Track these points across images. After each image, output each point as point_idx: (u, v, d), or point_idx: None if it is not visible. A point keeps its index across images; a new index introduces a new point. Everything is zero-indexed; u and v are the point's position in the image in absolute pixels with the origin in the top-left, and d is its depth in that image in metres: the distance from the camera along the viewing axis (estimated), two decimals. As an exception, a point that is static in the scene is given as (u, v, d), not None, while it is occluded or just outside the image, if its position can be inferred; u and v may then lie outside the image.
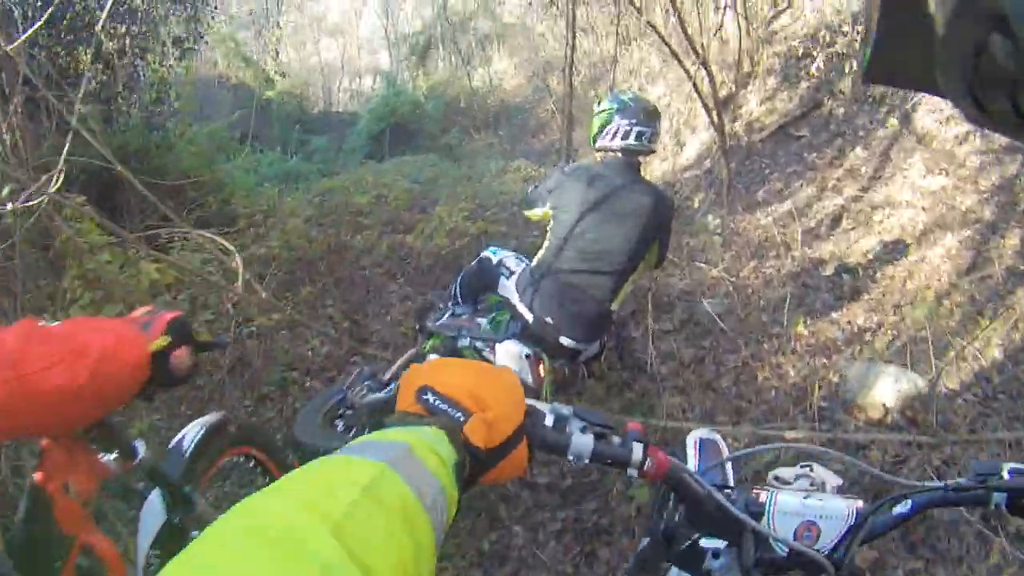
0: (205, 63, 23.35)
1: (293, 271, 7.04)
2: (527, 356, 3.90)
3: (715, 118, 7.83)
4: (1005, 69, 0.55)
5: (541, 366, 3.90)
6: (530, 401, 1.16)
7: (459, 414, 1.00)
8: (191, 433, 2.60)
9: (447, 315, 4.75)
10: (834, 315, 5.35)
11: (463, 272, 4.86)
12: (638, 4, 8.70)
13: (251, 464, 3.02)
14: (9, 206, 3.97)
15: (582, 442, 1.17)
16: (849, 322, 5.25)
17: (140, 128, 8.97)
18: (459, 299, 4.94)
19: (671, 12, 8.47)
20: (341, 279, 7.15)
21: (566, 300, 4.09)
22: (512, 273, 4.32)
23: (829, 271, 6.01)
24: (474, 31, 22.40)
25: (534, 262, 4.27)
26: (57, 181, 4.99)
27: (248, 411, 5.08)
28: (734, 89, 9.89)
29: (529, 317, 4.14)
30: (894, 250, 6.00)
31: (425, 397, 1.02)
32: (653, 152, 4.45)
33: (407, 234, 8.06)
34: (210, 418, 2.73)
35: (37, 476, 1.81)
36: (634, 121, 4.09)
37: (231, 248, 4.47)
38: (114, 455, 1.95)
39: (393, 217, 9.09)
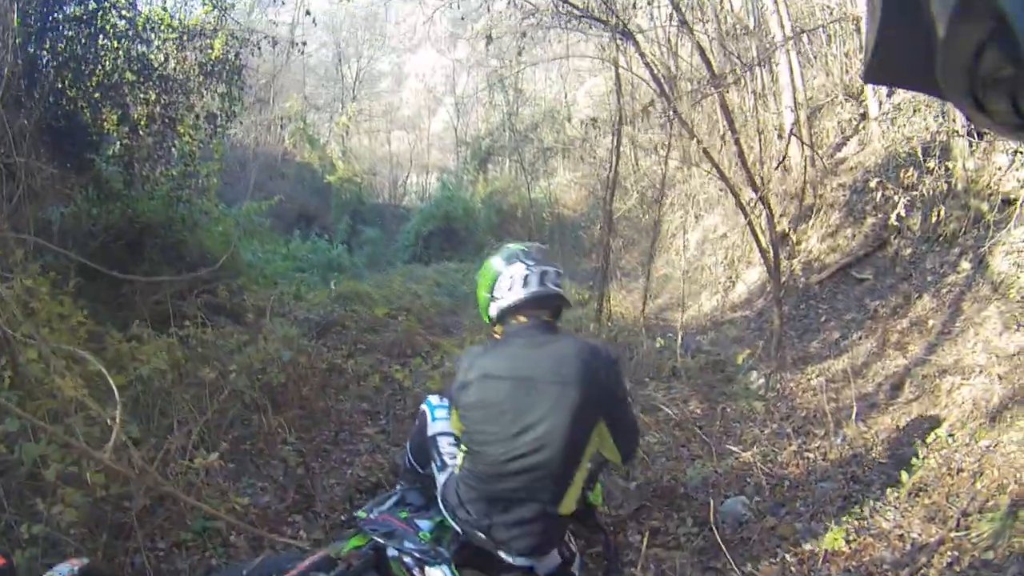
0: (273, 140, 23.70)
1: (273, 388, 6.43)
2: None
3: (770, 260, 7.23)
4: (1005, 69, 0.59)
5: None
6: None
7: None
8: None
9: (391, 500, 4.16)
10: (884, 523, 4.24)
11: (413, 430, 4.27)
12: (693, 128, 8.20)
13: None
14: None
15: None
16: (902, 536, 4.10)
17: (165, 200, 8.76)
18: (414, 466, 4.31)
19: (729, 139, 7.93)
20: (316, 411, 6.53)
21: (495, 509, 3.31)
22: (444, 467, 3.67)
23: (884, 458, 5.06)
24: (539, 142, 22.24)
25: (455, 467, 3.55)
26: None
27: (158, 557, 4.41)
28: (794, 223, 9.28)
29: (458, 528, 3.48)
30: (963, 432, 5.05)
31: None
32: (563, 300, 3.43)
33: (408, 364, 7.52)
34: (72, 566, 2.67)
35: None
36: (529, 263, 3.27)
37: (117, 397, 3.89)
38: None
39: (402, 339, 8.56)
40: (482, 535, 3.34)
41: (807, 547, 4.11)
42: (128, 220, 8.25)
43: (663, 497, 4.85)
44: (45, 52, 7.52)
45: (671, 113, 8.57)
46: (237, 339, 6.93)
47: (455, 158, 28.62)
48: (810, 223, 9.55)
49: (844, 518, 4.31)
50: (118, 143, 8.54)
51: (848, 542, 4.05)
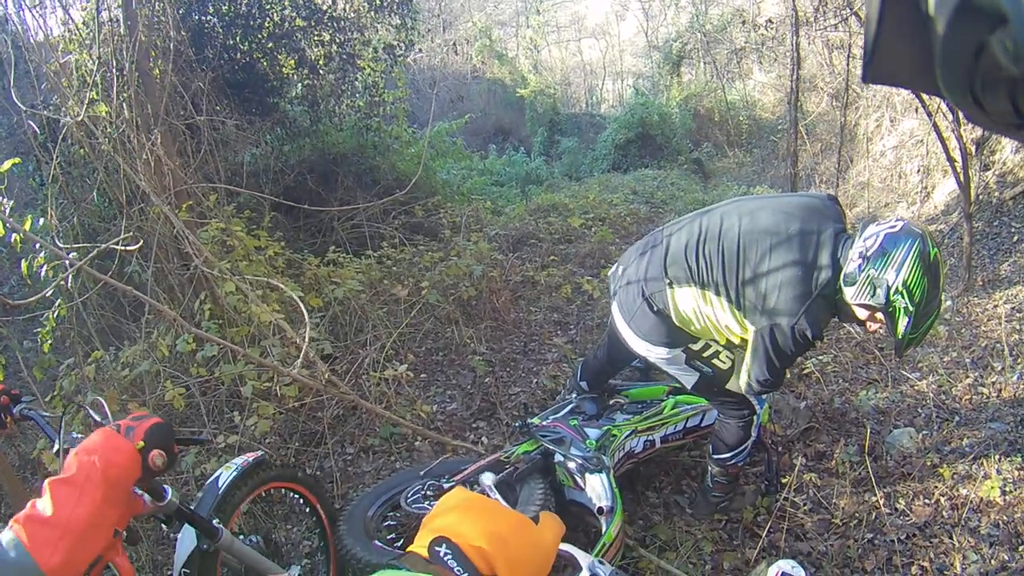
0: (460, 59, 23.85)
1: (467, 302, 6.63)
2: (605, 509, 3.33)
3: (959, 169, 6.68)
4: (1005, 69, 0.58)
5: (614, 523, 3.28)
6: (569, 550, 1.28)
7: (466, 575, 0.98)
8: (226, 473, 3.07)
9: (566, 408, 4.26)
10: None
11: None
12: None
13: (296, 498, 3.49)
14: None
15: None
16: None
17: (353, 130, 9.04)
18: (584, 386, 4.48)
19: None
20: (506, 322, 6.69)
21: None
22: None
23: None
24: (731, 43, 21.38)
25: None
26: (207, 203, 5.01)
27: (346, 461, 4.75)
28: (986, 131, 8.58)
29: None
30: None
31: (437, 549, 1.00)
32: None
33: (600, 275, 7.49)
34: (247, 457, 3.18)
35: None
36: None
37: (306, 319, 4.06)
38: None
39: (597, 249, 8.54)
40: None
41: (963, 491, 3.92)
42: (319, 153, 8.65)
43: (832, 420, 4.75)
44: (210, 16, 7.92)
45: (847, 8, 7.99)
46: (431, 256, 7.14)
47: (648, 63, 27.96)
48: (1004, 133, 8.76)
49: (1005, 466, 4.04)
50: (299, 85, 8.93)
51: (1004, 493, 3.83)
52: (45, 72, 5.27)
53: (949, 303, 6.46)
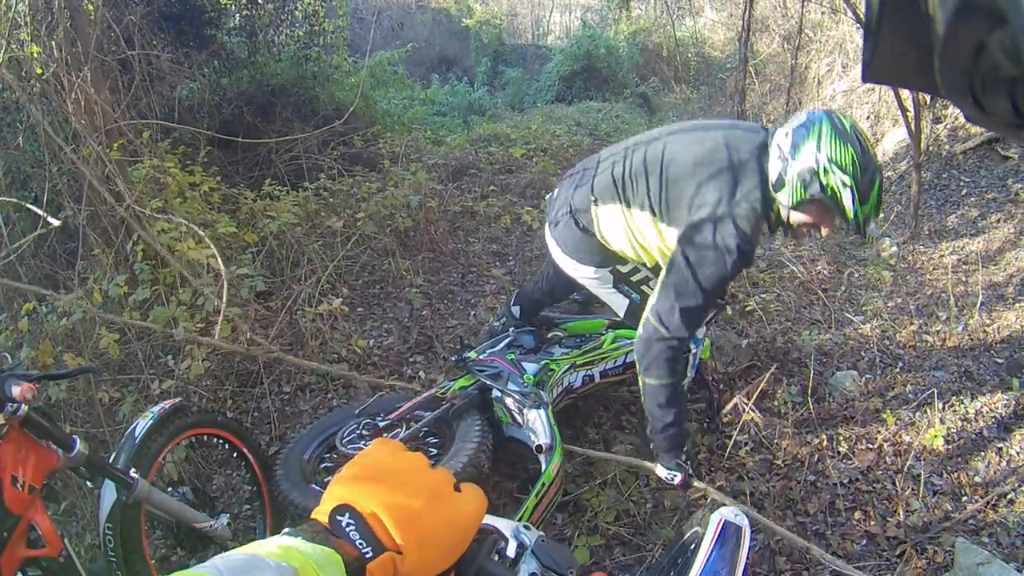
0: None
1: (404, 233, 6.66)
2: (544, 447, 3.33)
3: (911, 120, 6.80)
4: (1005, 69, 0.58)
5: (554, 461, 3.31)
6: (493, 521, 1.18)
7: (368, 549, 0.91)
8: (143, 422, 3.04)
9: (504, 342, 4.29)
10: (986, 431, 4.08)
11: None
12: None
13: (220, 443, 3.46)
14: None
15: None
16: (1000, 450, 3.93)
17: (292, 61, 8.93)
18: (515, 311, 4.54)
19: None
20: (444, 253, 6.74)
21: None
22: None
23: (1002, 358, 4.79)
24: (684, -23, 21.32)
25: None
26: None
27: (283, 400, 4.80)
28: None
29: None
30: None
31: (339, 519, 0.93)
32: None
33: (539, 206, 7.51)
34: (164, 405, 3.15)
35: None
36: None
37: (218, 262, 4.10)
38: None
39: (538, 180, 8.54)
40: None
41: (906, 438, 4.04)
42: (257, 85, 8.52)
43: (775, 359, 4.80)
44: None
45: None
46: (368, 187, 7.10)
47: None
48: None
49: (948, 415, 4.20)
50: (237, 15, 8.77)
51: (947, 443, 3.98)
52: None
53: (895, 248, 6.61)
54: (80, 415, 4.22)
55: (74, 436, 2.62)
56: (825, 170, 2.89)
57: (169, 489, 3.15)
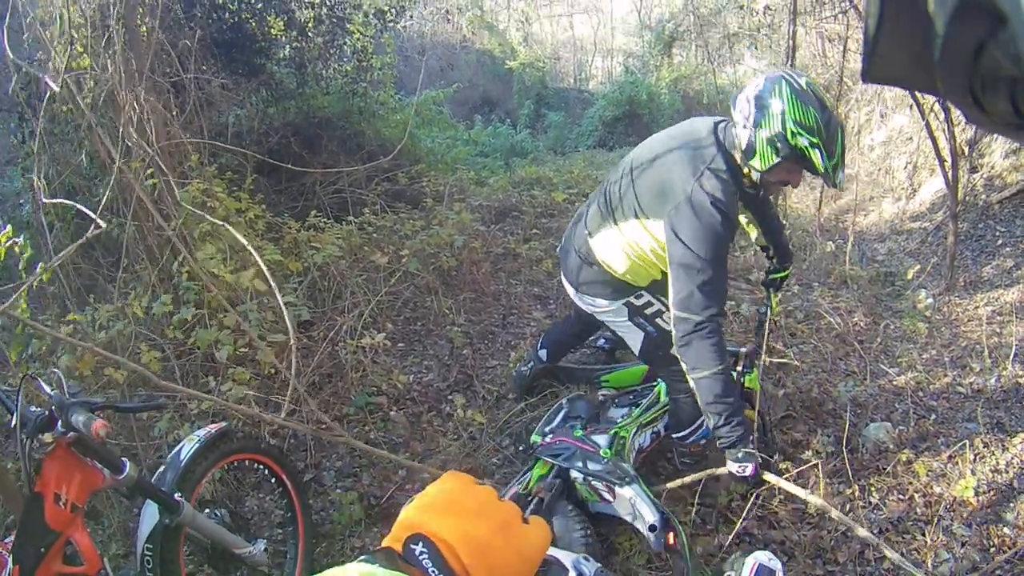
0: (451, 28, 23.70)
1: (447, 272, 6.65)
2: (658, 526, 3.22)
3: (947, 169, 6.73)
4: (1005, 69, 0.57)
5: (670, 535, 3.22)
6: (554, 553, 1.23)
7: None
8: (188, 445, 3.05)
9: (559, 415, 4.14)
10: (1016, 483, 3.97)
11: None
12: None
13: (262, 470, 3.47)
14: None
15: None
16: None
17: (340, 95, 9.00)
18: (542, 355, 4.65)
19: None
20: (486, 294, 6.68)
21: None
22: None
23: None
24: (724, 27, 21.35)
25: None
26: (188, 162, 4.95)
27: (320, 430, 4.69)
28: (978, 133, 8.58)
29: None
30: None
31: (413, 547, 0.94)
32: None
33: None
34: (210, 429, 3.16)
35: (36, 484, 2.46)
36: None
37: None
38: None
39: (579, 224, 8.48)
40: None
41: (937, 489, 3.97)
42: (304, 116, 8.57)
43: (810, 410, 4.76)
44: None
45: (847, 0, 7.96)
46: (412, 224, 7.08)
47: (639, 42, 27.84)
48: (995, 135, 8.75)
49: (980, 467, 4.11)
50: (287, 47, 8.81)
51: (977, 494, 3.87)
52: (29, 23, 5.19)
53: (931, 300, 6.50)
54: (114, 426, 4.16)
55: (124, 459, 2.63)
56: (792, 133, 3.02)
57: (207, 511, 3.12)
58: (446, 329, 5.91)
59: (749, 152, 3.15)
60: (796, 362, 5.25)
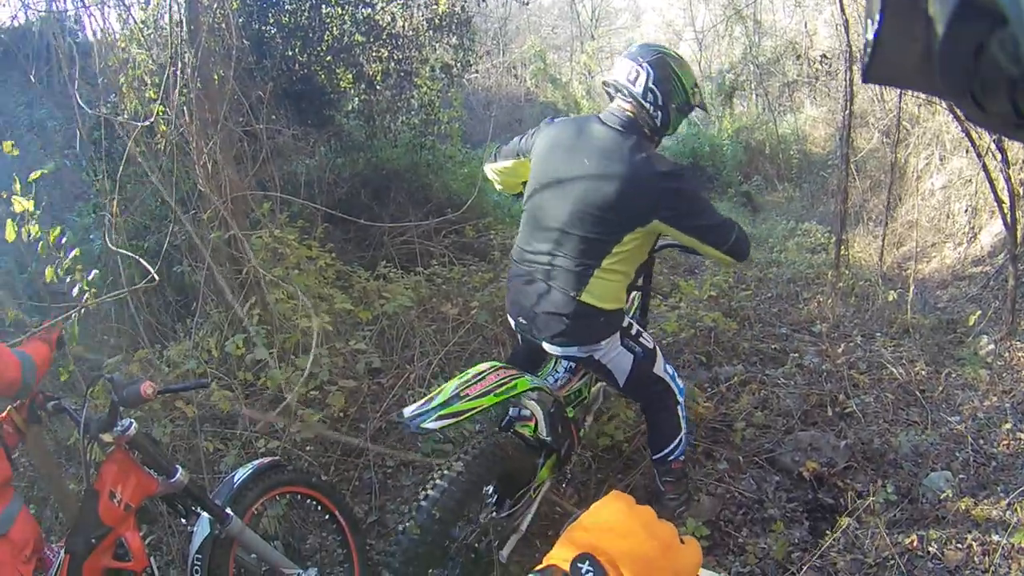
0: (514, 82, 23.95)
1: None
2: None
3: (1006, 210, 6.52)
4: (1005, 69, 0.58)
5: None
6: (704, 573, 1.16)
7: None
8: (241, 471, 3.22)
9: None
10: None
11: None
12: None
13: (314, 505, 3.57)
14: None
15: None
16: None
17: (408, 147, 9.10)
18: None
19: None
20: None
21: (517, 284, 3.61)
22: None
23: None
24: (783, 75, 21.27)
25: None
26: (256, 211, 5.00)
27: (386, 474, 4.74)
28: None
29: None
30: None
31: (580, 566, 0.94)
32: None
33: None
34: (264, 460, 3.36)
35: (95, 482, 2.69)
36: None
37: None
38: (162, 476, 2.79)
39: (643, 281, 8.43)
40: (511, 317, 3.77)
41: (995, 537, 3.82)
42: (373, 168, 8.70)
43: (871, 460, 4.69)
44: (270, 27, 8.01)
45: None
46: (481, 277, 7.10)
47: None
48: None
49: None
50: (356, 99, 9.02)
51: None
52: (102, 69, 5.32)
53: (992, 346, 6.31)
54: (180, 458, 4.23)
55: (176, 465, 2.82)
56: (693, 93, 3.47)
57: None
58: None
59: (666, 125, 3.45)
60: (858, 413, 5.20)
